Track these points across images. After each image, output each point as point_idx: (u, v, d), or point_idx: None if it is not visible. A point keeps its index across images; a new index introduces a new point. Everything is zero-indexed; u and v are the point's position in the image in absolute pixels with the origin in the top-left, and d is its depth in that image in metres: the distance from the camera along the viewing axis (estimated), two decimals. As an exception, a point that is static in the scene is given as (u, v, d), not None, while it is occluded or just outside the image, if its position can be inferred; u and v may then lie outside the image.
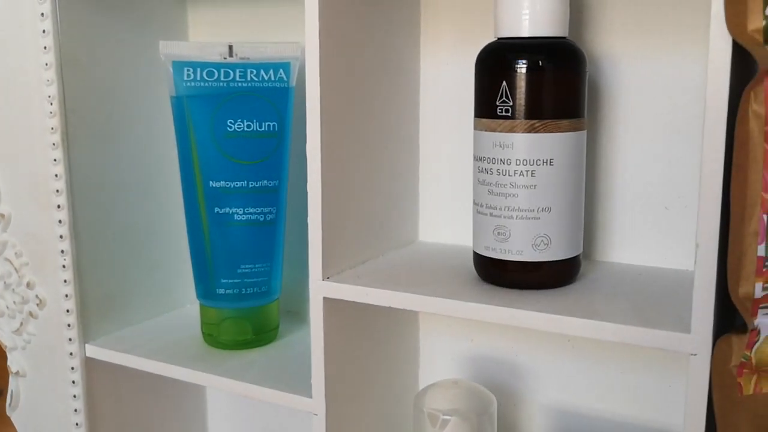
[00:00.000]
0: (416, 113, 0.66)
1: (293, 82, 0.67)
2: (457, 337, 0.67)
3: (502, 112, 0.51)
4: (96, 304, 0.70)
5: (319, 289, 0.56)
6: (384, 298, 0.54)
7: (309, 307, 0.73)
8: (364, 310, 0.59)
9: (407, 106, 0.65)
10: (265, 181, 0.67)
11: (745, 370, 0.43)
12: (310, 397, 0.58)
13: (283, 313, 0.72)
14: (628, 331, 0.45)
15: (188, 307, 0.80)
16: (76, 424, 0.71)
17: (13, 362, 0.73)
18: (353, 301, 0.56)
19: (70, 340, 0.69)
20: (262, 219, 0.67)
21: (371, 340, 0.62)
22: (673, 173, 0.57)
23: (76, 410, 0.70)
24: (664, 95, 0.56)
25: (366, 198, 0.60)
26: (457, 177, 0.65)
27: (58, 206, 0.67)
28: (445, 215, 0.67)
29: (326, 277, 0.56)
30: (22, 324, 0.71)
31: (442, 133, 0.66)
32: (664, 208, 0.57)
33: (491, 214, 0.52)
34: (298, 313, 0.76)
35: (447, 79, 0.65)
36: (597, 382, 0.62)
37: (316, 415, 0.58)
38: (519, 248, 0.52)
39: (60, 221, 0.67)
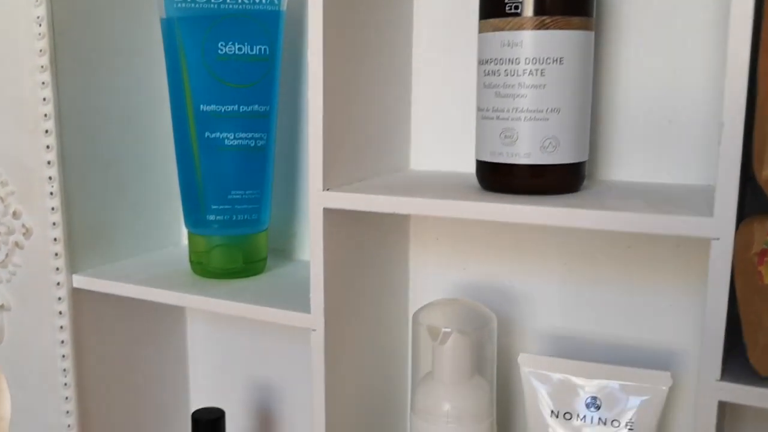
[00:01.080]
0: (410, 40, 0.62)
1: (284, 6, 0.63)
2: (449, 266, 0.64)
3: (510, 9, 0.47)
4: (83, 235, 0.66)
5: (319, 200, 0.52)
6: (387, 204, 0.50)
7: (295, 244, 0.70)
8: (361, 228, 0.56)
9: (401, 34, 0.61)
10: (256, 106, 0.63)
11: (766, 258, 0.40)
12: (309, 312, 0.54)
13: (269, 251, 0.68)
14: (648, 219, 0.42)
15: (172, 249, 0.75)
16: (63, 356, 0.66)
17: (-3, 295, 0.68)
18: (354, 211, 0.52)
19: (57, 269, 0.64)
20: (252, 144, 0.63)
21: (367, 261, 0.58)
22: (677, 85, 0.53)
23: (62, 342, 0.66)
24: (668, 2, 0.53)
25: (361, 121, 0.56)
26: (449, 107, 0.62)
27: (46, 131, 0.62)
28: (437, 145, 0.63)
29: (326, 188, 0.51)
30: (7, 255, 0.66)
31: (435, 61, 0.62)
32: (667, 122, 0.54)
33: (498, 117, 0.49)
34: (284, 251, 0.72)
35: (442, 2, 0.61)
36: (595, 306, 0.59)
37: (314, 330, 0.54)
38: (527, 151, 0.48)
39: (48, 147, 0.62)
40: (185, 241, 0.75)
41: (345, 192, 0.51)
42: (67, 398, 0.67)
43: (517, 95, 0.48)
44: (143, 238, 0.73)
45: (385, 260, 0.62)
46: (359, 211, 0.52)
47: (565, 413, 0.53)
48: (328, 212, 0.52)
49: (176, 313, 0.78)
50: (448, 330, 0.53)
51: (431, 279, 0.64)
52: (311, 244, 0.53)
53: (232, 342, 0.77)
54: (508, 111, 0.48)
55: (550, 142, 0.48)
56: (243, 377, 0.77)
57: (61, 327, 0.65)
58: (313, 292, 0.53)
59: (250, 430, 0.78)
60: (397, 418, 0.66)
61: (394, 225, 0.63)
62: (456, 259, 0.63)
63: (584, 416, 0.53)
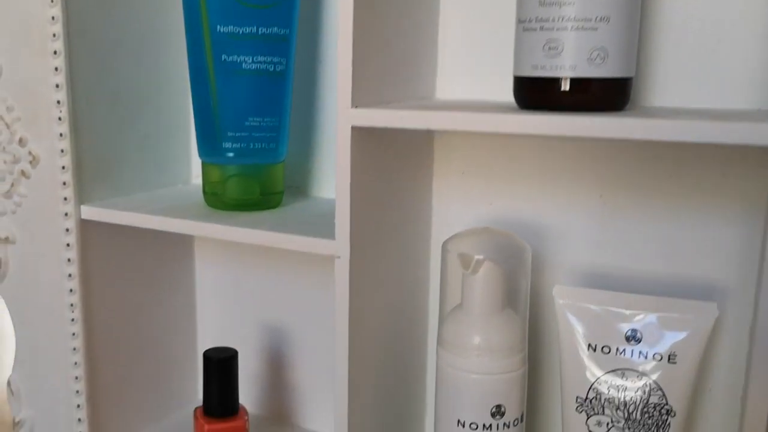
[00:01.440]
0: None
1: (308, -77, 0.59)
2: (475, 201, 0.60)
3: None
4: (91, 165, 0.62)
5: (347, 117, 0.48)
6: (420, 120, 0.47)
7: (311, 181, 0.67)
8: (388, 156, 0.53)
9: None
10: (276, 28, 0.59)
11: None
12: (333, 238, 0.51)
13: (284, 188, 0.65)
14: (715, 126, 0.39)
15: (182, 187, 0.72)
16: (70, 290, 0.63)
17: (2, 228, 0.65)
18: (381, 134, 0.49)
19: (65, 199, 0.61)
20: (271, 69, 0.60)
21: (393, 190, 0.55)
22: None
23: (70, 275, 0.63)
24: None
25: (389, 41, 0.52)
26: (477, 31, 0.58)
27: (55, 52, 0.59)
28: (464, 75, 0.60)
29: (355, 105, 0.48)
30: (12, 185, 0.63)
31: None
32: (716, 41, 0.51)
33: (542, 28, 0.45)
34: (299, 188, 0.69)
35: None
36: (632, 241, 0.56)
37: (338, 258, 0.51)
38: (572, 63, 0.45)
39: (56, 69, 0.59)
40: (196, 180, 0.72)
41: (374, 108, 0.48)
42: (74, 334, 0.64)
43: (564, 3, 0.44)
44: (153, 172, 0.69)
45: (411, 192, 0.59)
46: (387, 132, 0.49)
47: (603, 347, 0.51)
48: (356, 131, 0.49)
49: (186, 249, 0.75)
50: (481, 258, 0.50)
51: (456, 214, 0.61)
52: (337, 166, 0.49)
53: (242, 283, 0.74)
54: (553, 20, 0.45)
55: (598, 54, 0.45)
56: (253, 319, 0.74)
57: (69, 260, 0.62)
58: (338, 217, 0.50)
59: (261, 372, 0.75)
60: (421, 352, 0.63)
61: (420, 158, 0.59)
62: (482, 194, 0.60)
63: (624, 350, 0.50)
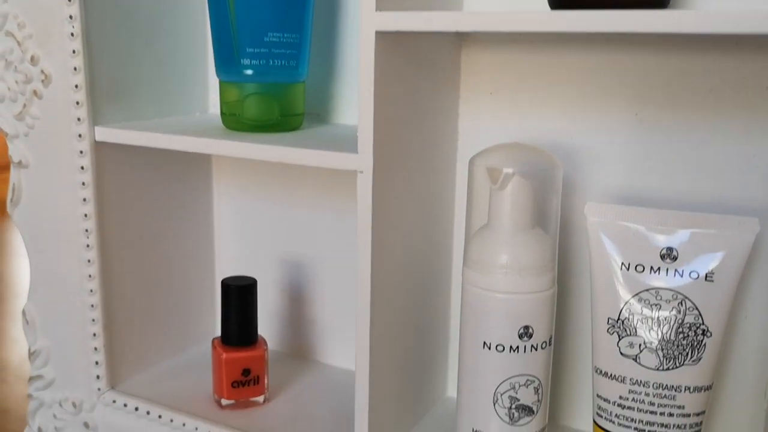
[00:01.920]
0: None
1: None
2: (503, 121, 0.58)
3: None
4: (105, 85, 0.61)
5: (371, 21, 0.46)
6: (449, 21, 0.44)
7: (332, 107, 0.64)
8: (412, 68, 0.51)
9: None
10: (297, -61, 0.56)
11: None
12: (356, 152, 0.48)
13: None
14: None
15: (200, 116, 0.70)
16: (85, 215, 0.61)
17: (15, 151, 0.63)
18: (405, 43, 0.46)
19: (78, 120, 0.59)
20: (292, -19, 0.57)
21: (418, 105, 0.53)
22: None
23: (84, 200, 0.61)
24: None
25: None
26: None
27: (65, -36, 0.56)
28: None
29: (379, 8, 0.45)
30: (24, 106, 0.61)
31: None
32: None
33: None
34: (319, 114, 0.67)
35: None
36: (669, 161, 0.53)
37: (361, 173, 0.49)
38: (610, -44, 0.42)
39: (67, -19, 0.56)
40: (214, 109, 0.71)
41: (399, 11, 0.46)
42: (89, 261, 0.62)
43: None
44: (170, 99, 0.67)
45: (437, 109, 0.56)
46: (413, 41, 0.47)
47: (636, 266, 0.48)
48: (380, 37, 0.46)
49: (204, 175, 0.73)
50: (510, 172, 0.48)
51: (484, 134, 0.58)
52: (360, 76, 0.47)
53: (261, 213, 0.72)
54: None
55: (637, -52, 0.42)
56: (273, 251, 0.72)
57: (83, 184, 0.61)
58: (361, 129, 0.48)
59: (280, 306, 0.73)
60: (445, 274, 0.62)
61: (447, 75, 0.57)
62: (511, 115, 0.58)
63: (658, 268, 0.48)
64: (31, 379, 0.69)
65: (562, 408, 0.61)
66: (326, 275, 0.70)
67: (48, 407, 0.69)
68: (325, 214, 0.68)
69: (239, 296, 0.62)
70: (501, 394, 0.50)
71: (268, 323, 0.73)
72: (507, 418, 0.50)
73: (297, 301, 0.72)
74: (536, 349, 0.49)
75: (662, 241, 0.48)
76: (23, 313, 0.68)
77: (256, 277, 0.64)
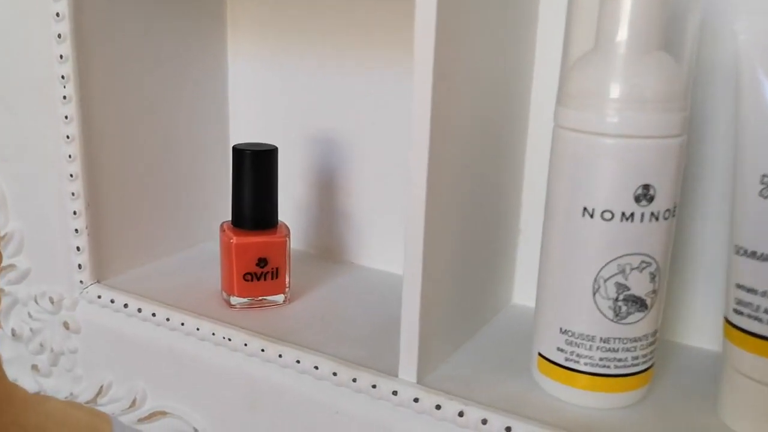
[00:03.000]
0: None
1: None
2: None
3: None
4: None
5: None
6: None
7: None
8: None
9: None
10: None
11: None
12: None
13: None
14: None
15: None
16: (60, 57, 0.48)
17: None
18: None
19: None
20: None
21: None
22: None
23: (59, 36, 0.48)
24: None
25: None
26: None
27: None
28: None
29: None
30: None
31: None
32: None
33: None
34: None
35: None
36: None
37: (422, -37, 0.34)
38: None
39: None
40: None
41: None
42: (66, 118, 0.49)
43: None
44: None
45: None
46: None
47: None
48: None
49: (216, 23, 0.59)
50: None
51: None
52: None
53: (283, 74, 0.59)
54: None
55: None
56: (298, 124, 0.59)
57: (57, 15, 0.47)
58: None
59: (304, 194, 0.60)
60: (519, 136, 0.48)
61: None
62: None
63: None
64: (3, 270, 0.56)
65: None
66: (364, 155, 0.56)
67: (23, 305, 0.56)
68: (366, 76, 0.54)
69: (255, 164, 0.49)
70: (605, 281, 0.36)
71: (291, 216, 0.60)
72: (611, 313, 0.37)
73: (327, 190, 0.59)
74: (657, 219, 0.36)
75: None
76: (-9, 187, 0.55)
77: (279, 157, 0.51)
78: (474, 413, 0.38)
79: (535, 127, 0.48)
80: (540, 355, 0.40)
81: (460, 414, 0.39)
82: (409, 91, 0.35)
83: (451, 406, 0.39)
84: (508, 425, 0.37)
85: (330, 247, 0.60)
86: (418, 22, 0.35)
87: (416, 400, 0.40)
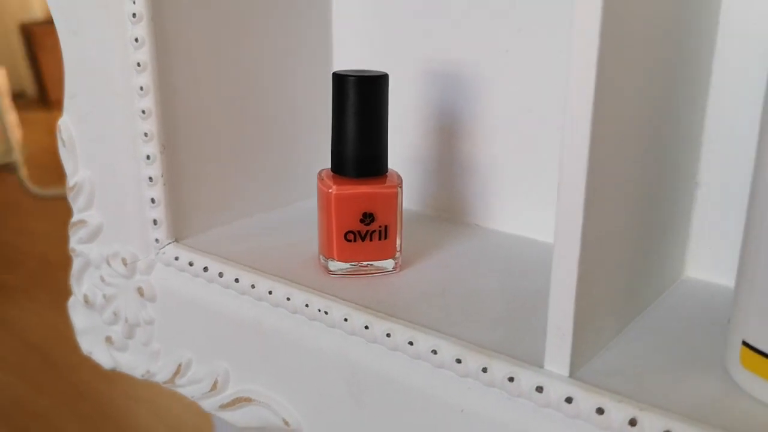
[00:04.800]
0: None
1: None
2: None
3: None
4: None
5: None
6: None
7: None
8: None
9: None
10: None
11: None
12: None
13: None
14: None
15: None
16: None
17: None
18: None
19: None
20: None
21: None
22: None
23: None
24: None
25: None
26: None
27: None
28: None
29: None
30: None
31: None
32: None
33: None
34: None
35: None
36: None
37: None
38: None
39: None
40: None
41: None
42: (137, 40, 0.40)
43: None
44: None
45: None
46: None
47: None
48: None
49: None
50: None
51: None
52: None
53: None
54: None
55: None
56: (411, 60, 0.48)
57: None
58: None
59: (420, 144, 0.49)
60: (700, 84, 0.36)
61: None
62: None
63: None
64: (73, 225, 0.49)
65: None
66: (495, 92, 0.46)
67: (96, 267, 0.48)
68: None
69: (361, 95, 0.39)
70: None
71: (403, 169, 0.50)
72: None
73: (447, 136, 0.48)
74: None
75: None
76: (58, 129, 0.47)
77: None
78: (651, 422, 0.27)
79: (720, 63, 0.36)
80: (745, 344, 0.29)
81: (632, 422, 0.28)
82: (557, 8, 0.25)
83: (618, 411, 0.28)
84: (705, 443, 0.26)
85: (451, 206, 0.49)
86: None
87: (569, 400, 0.29)
